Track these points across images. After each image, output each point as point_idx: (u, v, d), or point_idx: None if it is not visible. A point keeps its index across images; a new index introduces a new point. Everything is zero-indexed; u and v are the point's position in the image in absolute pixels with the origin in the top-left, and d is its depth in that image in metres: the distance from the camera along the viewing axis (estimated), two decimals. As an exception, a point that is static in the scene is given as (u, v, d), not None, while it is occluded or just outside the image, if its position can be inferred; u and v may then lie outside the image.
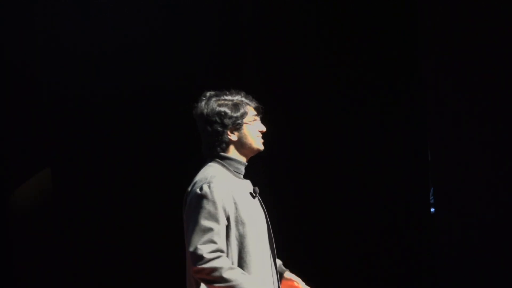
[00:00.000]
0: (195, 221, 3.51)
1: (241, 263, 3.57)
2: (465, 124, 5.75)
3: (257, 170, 6.47)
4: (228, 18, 6.66)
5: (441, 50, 5.81)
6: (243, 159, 3.73)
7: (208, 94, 3.73)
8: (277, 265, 3.84)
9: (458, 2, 5.76)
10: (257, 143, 3.74)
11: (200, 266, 3.47)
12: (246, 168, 3.75)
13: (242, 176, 3.73)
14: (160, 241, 6.46)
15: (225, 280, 3.47)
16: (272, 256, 3.73)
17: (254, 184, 3.76)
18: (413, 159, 6.55)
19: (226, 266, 3.48)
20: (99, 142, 6.65)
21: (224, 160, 3.67)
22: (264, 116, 3.83)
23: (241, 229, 3.58)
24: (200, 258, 3.46)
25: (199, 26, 6.62)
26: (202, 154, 3.73)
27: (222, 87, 3.76)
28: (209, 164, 3.68)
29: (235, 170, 3.69)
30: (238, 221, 3.58)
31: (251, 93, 3.81)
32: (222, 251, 3.50)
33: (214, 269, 3.46)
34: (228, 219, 3.56)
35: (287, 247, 4.18)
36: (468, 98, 5.72)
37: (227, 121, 3.65)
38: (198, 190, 3.55)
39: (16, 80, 6.59)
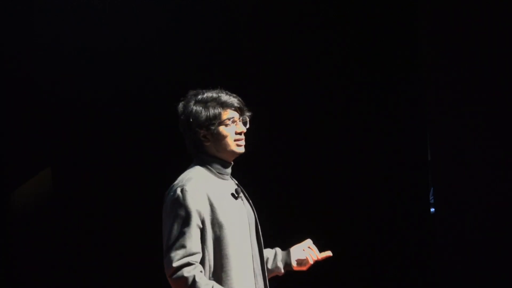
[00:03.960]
0: (167, 226, 3.45)
1: (218, 266, 3.48)
2: (465, 124, 5.74)
3: (259, 170, 6.50)
4: (226, 18, 6.66)
5: (441, 49, 5.81)
6: (225, 160, 3.62)
7: (190, 93, 3.63)
8: (277, 251, 3.78)
9: (459, 1, 5.76)
10: (232, 146, 3.59)
11: (169, 273, 3.41)
12: (233, 168, 3.65)
13: (227, 177, 3.62)
14: (160, 241, 6.45)
15: None
16: (260, 257, 3.64)
17: (241, 185, 3.67)
18: (413, 159, 6.55)
19: (191, 277, 3.39)
20: (99, 142, 6.65)
21: (207, 161, 3.58)
22: (254, 116, 3.69)
23: (218, 232, 3.48)
24: (170, 265, 3.41)
25: (198, 27, 6.62)
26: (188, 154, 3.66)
27: (220, 87, 3.70)
28: (192, 165, 3.59)
29: (218, 171, 3.58)
30: (215, 224, 3.48)
31: (252, 93, 3.76)
32: (192, 255, 3.41)
33: (182, 279, 3.39)
34: (203, 222, 3.46)
35: (286, 247, 4.16)
36: (468, 97, 5.72)
37: (199, 122, 3.55)
38: (171, 194, 3.49)
39: (16, 80, 6.59)
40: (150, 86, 6.61)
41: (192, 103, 3.58)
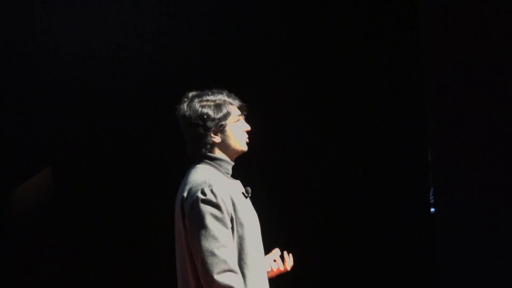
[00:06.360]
0: (203, 228, 3.44)
1: (242, 264, 3.53)
2: (465, 124, 5.75)
3: (258, 171, 6.50)
4: (224, 17, 6.66)
5: (441, 49, 5.81)
6: (230, 159, 3.67)
7: (190, 95, 3.66)
8: None
9: (459, 1, 5.76)
10: (241, 144, 3.68)
11: (212, 275, 3.40)
12: (234, 168, 3.69)
13: (230, 176, 3.67)
14: (160, 241, 6.46)
15: None
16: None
17: (245, 184, 3.71)
18: (413, 159, 6.55)
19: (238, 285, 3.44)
20: (99, 142, 6.65)
21: (213, 160, 3.62)
22: (250, 115, 3.74)
23: (240, 231, 3.53)
24: (220, 265, 3.41)
25: (195, 26, 6.62)
26: (187, 155, 3.67)
27: (220, 86, 3.73)
28: (198, 166, 3.62)
29: (225, 170, 3.64)
30: (238, 223, 3.53)
31: (250, 92, 3.78)
32: (234, 260, 3.46)
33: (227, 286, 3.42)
34: (231, 221, 3.51)
35: (286, 247, 4.16)
36: (468, 97, 5.72)
37: (210, 123, 3.59)
38: (200, 195, 3.47)
39: (16, 79, 6.59)
40: (150, 85, 6.61)
41: (197, 104, 3.61)
